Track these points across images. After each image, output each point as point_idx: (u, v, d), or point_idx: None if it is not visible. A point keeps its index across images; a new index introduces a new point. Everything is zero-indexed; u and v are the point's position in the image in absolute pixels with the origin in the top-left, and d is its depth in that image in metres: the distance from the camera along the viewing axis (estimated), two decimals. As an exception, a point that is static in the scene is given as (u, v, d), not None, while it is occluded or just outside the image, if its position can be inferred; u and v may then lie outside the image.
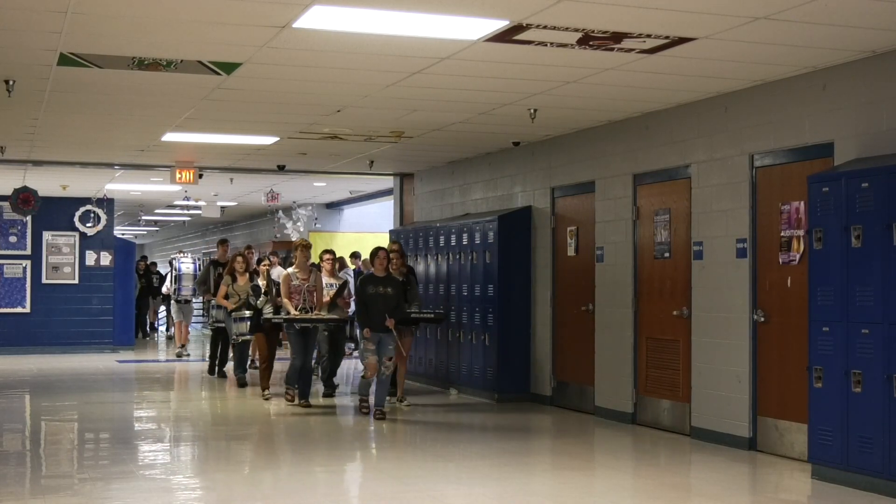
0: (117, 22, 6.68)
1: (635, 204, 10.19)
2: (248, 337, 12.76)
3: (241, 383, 13.30)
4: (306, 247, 11.44)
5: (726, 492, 7.21)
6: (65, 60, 7.72)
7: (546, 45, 7.14)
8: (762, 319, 8.47)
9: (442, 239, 13.16)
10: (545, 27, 6.65)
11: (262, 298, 12.28)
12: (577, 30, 6.73)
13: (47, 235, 19.16)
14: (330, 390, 12.35)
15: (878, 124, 7.34)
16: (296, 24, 6.62)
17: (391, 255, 10.96)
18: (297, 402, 11.22)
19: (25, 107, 9.75)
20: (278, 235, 23.29)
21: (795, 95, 8.13)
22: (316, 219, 22.38)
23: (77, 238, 19.34)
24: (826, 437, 7.16)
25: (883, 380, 6.74)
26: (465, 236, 12.56)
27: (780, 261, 8.28)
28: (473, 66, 7.92)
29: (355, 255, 17.32)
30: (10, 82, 8.46)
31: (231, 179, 16.59)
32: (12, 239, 18.95)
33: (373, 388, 10.45)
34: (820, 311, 7.25)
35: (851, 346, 6.97)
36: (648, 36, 6.89)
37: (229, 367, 14.31)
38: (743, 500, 7.12)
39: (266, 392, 11.97)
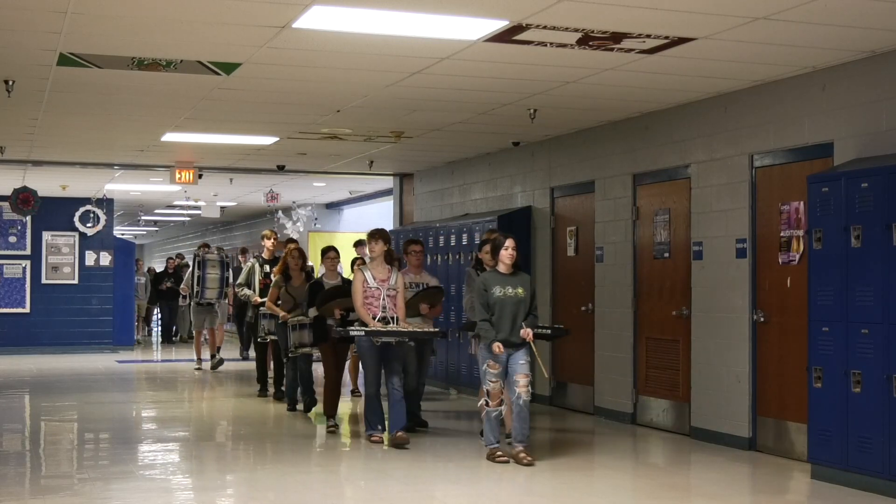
0: (117, 22, 6.68)
1: (635, 204, 10.19)
2: (310, 349, 10.47)
3: (292, 407, 10.99)
4: (383, 237, 8.96)
5: (726, 492, 7.21)
6: (64, 60, 7.72)
7: (546, 45, 7.14)
8: (762, 319, 8.47)
9: (442, 239, 13.16)
10: (545, 27, 6.65)
11: (310, 309, 9.80)
12: (576, 30, 6.73)
13: (47, 235, 19.16)
14: (415, 423, 9.57)
15: (878, 124, 7.34)
16: (296, 24, 6.62)
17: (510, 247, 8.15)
18: (387, 440, 8.80)
19: (25, 107, 9.75)
20: (278, 236, 23.28)
21: (795, 95, 8.13)
22: (316, 219, 22.38)
23: (77, 238, 19.34)
24: (826, 437, 7.16)
25: (882, 380, 6.74)
26: (464, 236, 12.56)
27: (780, 261, 8.29)
28: (473, 66, 7.92)
29: (360, 243, 16.43)
30: (10, 82, 8.46)
31: (231, 179, 16.59)
32: (12, 239, 18.96)
33: (487, 425, 8.08)
34: (820, 311, 7.25)
35: (851, 346, 6.97)
36: (648, 36, 6.89)
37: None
38: (743, 500, 7.12)
39: (331, 421, 9.61)
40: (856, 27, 6.67)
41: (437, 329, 9.33)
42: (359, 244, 14.86)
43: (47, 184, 17.00)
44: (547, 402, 11.44)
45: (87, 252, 19.39)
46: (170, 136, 11.79)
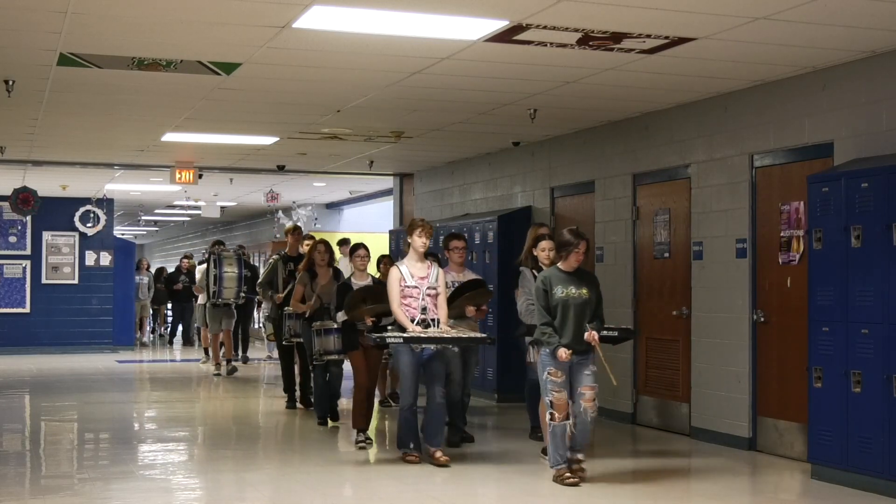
0: (117, 22, 6.68)
1: (635, 204, 10.19)
2: (337, 356, 9.45)
3: (319, 417, 9.95)
4: (423, 228, 7.96)
5: (726, 492, 7.21)
6: (65, 60, 7.72)
7: (546, 46, 7.14)
8: (762, 319, 8.47)
9: (442, 239, 13.15)
10: (545, 27, 6.65)
11: (339, 313, 8.73)
12: (576, 30, 6.73)
13: (47, 235, 19.16)
14: (460, 437, 8.80)
15: (878, 124, 7.34)
16: (296, 24, 6.62)
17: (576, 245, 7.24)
18: (426, 458, 7.89)
19: (25, 107, 9.75)
20: (278, 235, 23.28)
21: (795, 95, 8.13)
22: (316, 219, 22.38)
23: (77, 238, 19.34)
24: (826, 437, 7.16)
25: (882, 380, 6.74)
26: (465, 236, 12.54)
27: (780, 261, 8.29)
28: (473, 66, 7.92)
29: (344, 242, 14.88)
30: (10, 82, 8.46)
31: (231, 179, 16.59)
32: (12, 239, 18.96)
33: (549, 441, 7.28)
34: (820, 311, 7.25)
35: (851, 346, 6.97)
36: (648, 36, 6.89)
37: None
38: (743, 500, 7.12)
39: (361, 436, 8.63)
40: (856, 27, 6.67)
41: (485, 335, 8.28)
42: (342, 243, 14.54)
43: (47, 184, 17.00)
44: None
45: (87, 252, 19.39)
46: (170, 136, 11.79)
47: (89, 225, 19.43)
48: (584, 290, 7.17)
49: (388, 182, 17.03)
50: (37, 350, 18.62)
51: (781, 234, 8.28)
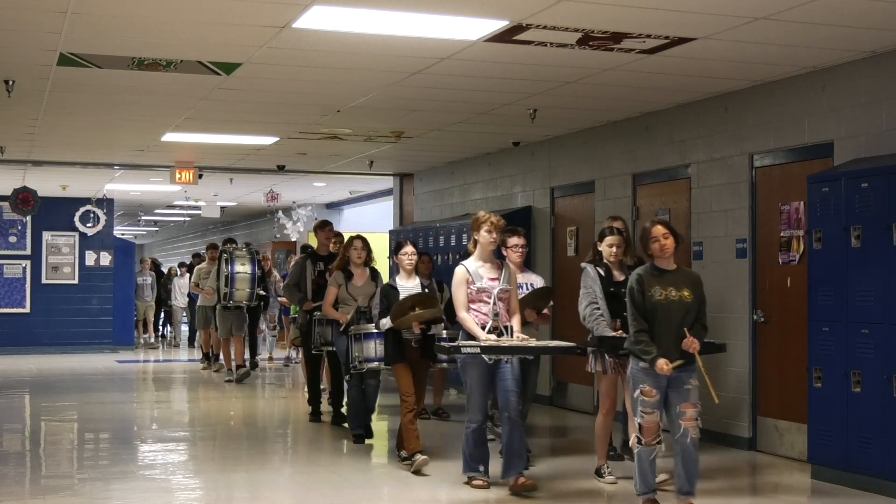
0: (117, 22, 6.68)
1: (635, 204, 10.19)
2: (378, 365, 8.26)
3: (359, 437, 8.90)
4: (492, 223, 6.95)
5: (726, 492, 7.20)
6: (65, 60, 7.72)
7: (546, 46, 7.14)
8: (762, 319, 8.47)
9: (442, 239, 13.15)
10: (545, 27, 6.65)
11: (383, 320, 7.73)
12: (576, 30, 6.73)
13: (47, 236, 19.17)
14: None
15: (878, 124, 7.34)
16: (296, 24, 6.62)
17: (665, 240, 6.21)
18: (506, 483, 6.90)
19: (25, 107, 9.75)
20: (278, 235, 23.29)
21: (795, 95, 8.13)
22: (316, 219, 22.36)
23: (77, 238, 19.35)
24: (826, 438, 7.16)
25: (883, 380, 6.74)
26: (464, 236, 12.54)
27: (780, 261, 8.28)
28: (473, 66, 7.92)
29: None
30: (10, 82, 8.47)
31: (231, 179, 16.60)
32: (12, 239, 18.97)
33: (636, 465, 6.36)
34: (820, 311, 7.25)
35: (851, 346, 6.97)
36: (648, 36, 6.89)
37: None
38: (743, 500, 7.11)
39: (418, 458, 7.54)
40: (856, 27, 6.67)
41: (572, 343, 7.38)
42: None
43: (47, 184, 17.01)
44: (547, 402, 11.42)
45: (87, 252, 19.40)
46: (170, 136, 11.79)
47: (89, 225, 19.43)
48: (686, 292, 6.12)
49: (388, 182, 17.03)
50: (37, 350, 18.63)
51: (781, 234, 8.28)
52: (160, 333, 23.07)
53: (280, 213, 22.49)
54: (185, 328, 21.85)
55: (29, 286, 19.05)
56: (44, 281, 19.11)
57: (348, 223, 22.58)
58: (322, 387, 10.62)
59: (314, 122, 10.81)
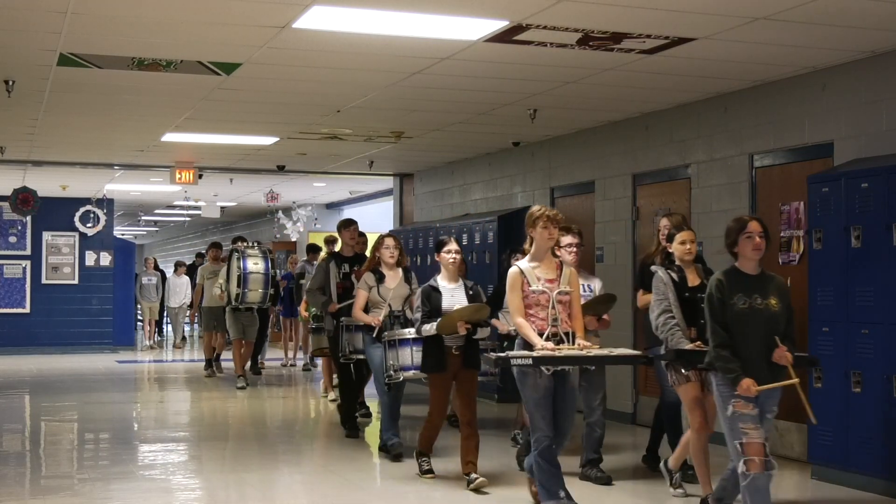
0: (117, 22, 6.69)
1: (635, 204, 10.19)
2: (415, 374, 7.60)
3: (395, 453, 8.11)
4: (549, 218, 6.23)
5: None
6: (65, 61, 7.72)
7: (546, 46, 7.14)
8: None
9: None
10: (545, 27, 6.65)
11: (426, 325, 7.13)
12: (576, 30, 6.73)
13: (47, 236, 19.17)
14: (602, 477, 7.25)
15: (878, 124, 7.34)
16: (296, 24, 6.62)
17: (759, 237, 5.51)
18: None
19: (25, 107, 9.75)
20: (278, 236, 23.30)
21: (795, 95, 8.13)
22: (316, 219, 22.38)
23: (77, 238, 19.35)
24: (826, 438, 7.16)
25: (883, 380, 6.74)
26: (464, 236, 12.56)
27: (780, 261, 8.28)
28: (473, 66, 7.92)
29: (332, 241, 14.03)
30: (10, 82, 8.47)
31: (231, 180, 16.60)
32: (12, 239, 18.97)
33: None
34: (820, 311, 7.25)
35: (851, 346, 6.97)
36: (648, 36, 6.89)
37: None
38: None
39: (423, 460, 7.38)
40: (856, 27, 6.67)
41: (639, 352, 6.88)
42: (330, 242, 14.15)
43: (47, 184, 17.01)
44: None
45: (87, 252, 19.39)
46: (170, 137, 11.79)
47: (89, 225, 19.43)
48: (773, 300, 5.39)
49: (388, 182, 17.03)
50: (37, 350, 18.62)
51: (781, 235, 8.28)
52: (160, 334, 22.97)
53: (280, 213, 22.49)
54: (185, 328, 21.83)
55: (29, 286, 19.05)
56: (44, 281, 19.11)
57: (348, 223, 22.61)
58: (332, 397, 10.48)
59: (314, 123, 10.81)
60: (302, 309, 11.87)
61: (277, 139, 12.04)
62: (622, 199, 10.35)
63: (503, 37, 6.92)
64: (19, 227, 18.99)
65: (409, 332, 7.53)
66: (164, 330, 23.21)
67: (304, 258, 15.49)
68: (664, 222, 7.11)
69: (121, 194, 19.62)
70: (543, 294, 6.15)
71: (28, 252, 19.06)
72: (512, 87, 8.75)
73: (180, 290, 20.52)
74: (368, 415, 9.80)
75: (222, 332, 14.18)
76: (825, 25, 6.61)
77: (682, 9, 6.27)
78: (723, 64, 7.77)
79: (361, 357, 8.74)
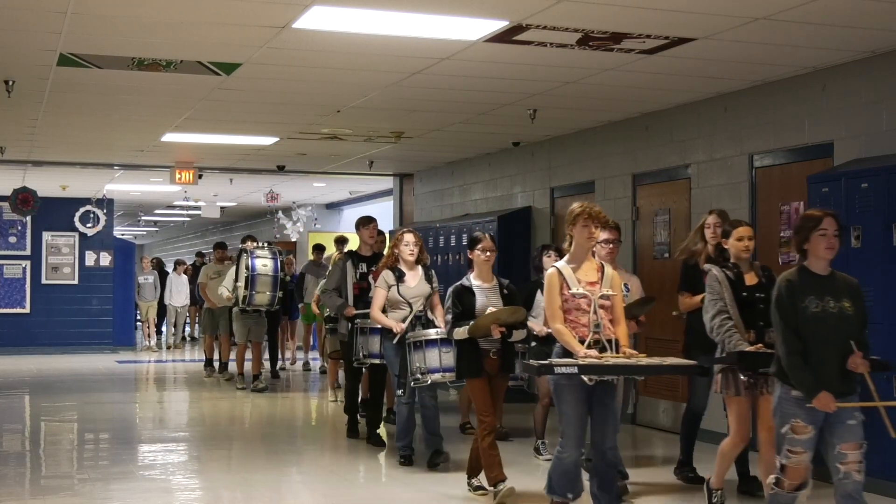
0: (117, 22, 6.68)
1: (635, 204, 10.19)
2: (443, 377, 7.31)
3: (406, 459, 7.88)
4: (591, 216, 5.75)
5: (726, 492, 7.19)
6: (65, 61, 7.72)
7: (546, 46, 7.14)
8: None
9: (442, 239, 13.16)
10: (545, 27, 6.65)
11: (459, 328, 6.61)
12: (576, 30, 6.73)
13: (47, 236, 19.17)
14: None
15: (878, 124, 7.34)
16: (296, 25, 6.62)
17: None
18: None
19: (25, 107, 9.75)
20: (278, 236, 23.29)
21: (795, 95, 8.13)
22: (316, 219, 22.39)
23: (77, 238, 19.34)
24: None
25: (883, 380, 6.73)
26: (464, 237, 12.55)
27: (780, 261, 8.28)
28: (473, 67, 7.92)
29: (341, 241, 14.09)
30: (10, 82, 8.47)
31: (231, 180, 16.60)
32: (12, 239, 18.97)
33: None
34: (820, 311, 7.23)
35: (851, 346, 6.95)
36: (648, 36, 6.89)
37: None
38: (744, 500, 7.10)
39: (502, 487, 6.57)
40: (856, 27, 6.67)
41: (693, 361, 6.18)
42: (340, 241, 14.15)
43: (47, 184, 17.01)
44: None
45: (87, 252, 19.39)
46: (170, 137, 11.79)
47: (89, 225, 19.43)
48: (846, 303, 4.92)
49: (388, 182, 17.03)
50: (37, 350, 18.62)
51: (781, 235, 8.28)
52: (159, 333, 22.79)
53: (280, 213, 22.51)
54: (186, 328, 21.80)
55: (29, 286, 19.05)
56: (44, 281, 19.11)
57: (348, 223, 22.58)
58: (333, 398, 10.38)
59: (314, 123, 10.81)
60: (314, 305, 11.50)
61: (277, 139, 12.04)
62: (622, 199, 10.35)
63: (503, 37, 6.92)
64: (19, 227, 18.99)
65: (436, 333, 7.28)
66: (163, 330, 22.99)
67: (311, 258, 15.37)
68: (712, 219, 6.95)
69: (121, 194, 19.62)
70: (584, 298, 5.67)
71: (28, 252, 19.06)
72: (512, 87, 8.75)
73: (182, 290, 20.33)
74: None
75: (225, 334, 13.88)
76: (825, 25, 6.61)
77: (682, 9, 6.27)
78: (723, 64, 7.77)
79: (376, 362, 8.36)
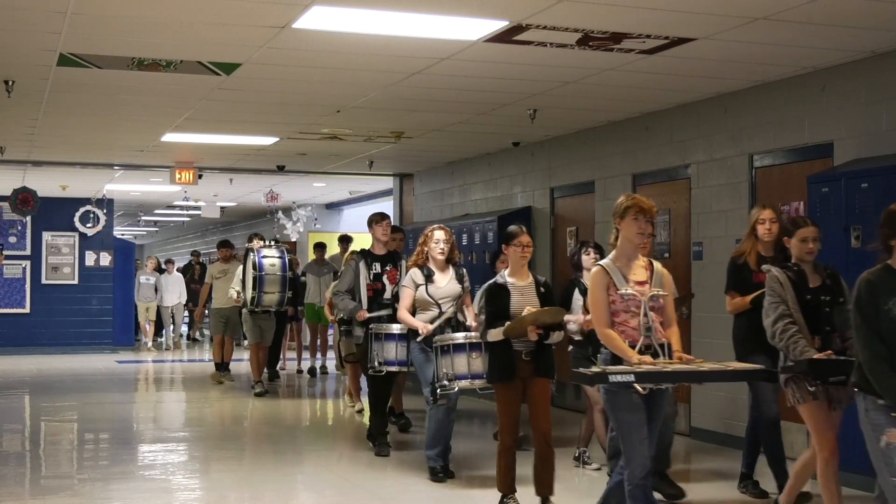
0: (117, 22, 6.68)
1: (635, 204, 10.18)
2: (471, 384, 6.88)
3: (441, 470, 7.38)
4: (641, 209, 5.29)
5: (726, 492, 7.20)
6: (64, 61, 7.72)
7: (546, 46, 7.14)
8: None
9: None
10: (545, 27, 6.65)
11: (493, 329, 6.16)
12: (576, 30, 6.73)
13: (47, 236, 19.18)
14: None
15: (878, 124, 7.34)
16: (296, 25, 6.62)
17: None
18: None
19: (25, 107, 9.75)
20: (278, 236, 23.29)
21: (795, 95, 8.13)
22: (315, 219, 22.39)
23: (77, 238, 19.35)
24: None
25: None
26: (464, 237, 12.56)
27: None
28: (473, 67, 7.92)
29: (345, 240, 14.40)
30: (10, 82, 8.46)
31: (231, 180, 16.60)
32: (12, 239, 18.97)
33: None
34: (820, 311, 7.22)
35: (851, 346, 6.94)
36: (648, 36, 6.89)
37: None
38: (744, 500, 7.11)
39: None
40: (856, 27, 6.67)
41: (762, 366, 5.73)
42: (343, 240, 14.13)
43: (47, 184, 17.01)
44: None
45: (87, 252, 19.40)
46: (170, 137, 11.79)
47: (89, 225, 19.43)
48: None
49: (388, 182, 17.03)
50: (37, 350, 18.62)
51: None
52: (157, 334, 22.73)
53: (280, 213, 22.51)
54: (184, 328, 21.79)
55: (29, 286, 19.05)
56: (44, 281, 19.12)
57: (348, 223, 22.62)
58: (357, 407, 10.30)
59: (314, 123, 10.81)
60: (326, 308, 11.22)
61: (277, 139, 12.04)
62: (622, 200, 10.34)
63: (503, 37, 6.92)
64: (19, 228, 19.00)
65: (466, 336, 6.88)
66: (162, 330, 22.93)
67: (313, 257, 15.04)
68: (768, 214, 6.60)
69: (121, 194, 19.62)
70: (634, 299, 5.19)
71: (28, 252, 19.06)
72: (512, 87, 8.75)
73: (174, 288, 20.26)
74: (408, 424, 9.38)
75: (231, 335, 13.70)
76: (825, 25, 6.61)
77: (682, 9, 6.27)
78: (723, 64, 7.76)
79: (393, 369, 7.95)
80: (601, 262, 5.37)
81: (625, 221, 5.28)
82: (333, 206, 22.66)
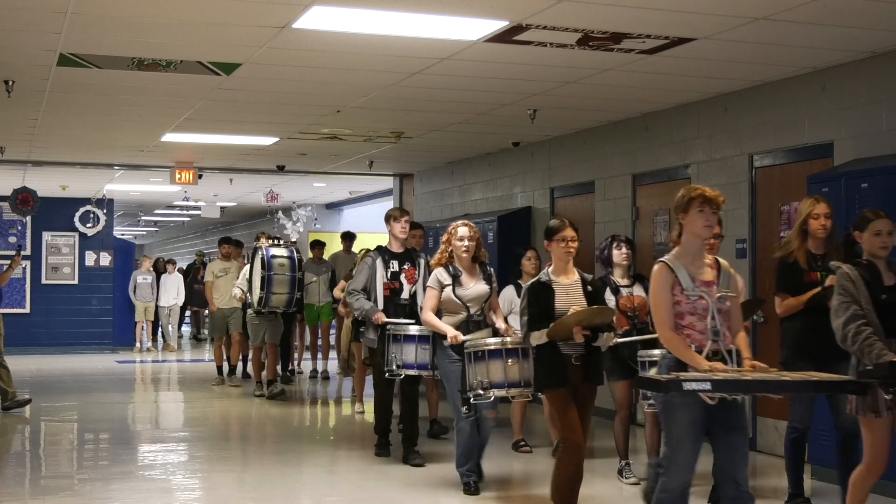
0: (117, 22, 6.69)
1: (635, 204, 10.19)
2: (509, 392, 6.42)
3: (473, 484, 6.90)
4: (707, 200, 4.79)
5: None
6: (65, 61, 7.72)
7: (546, 46, 7.14)
8: (762, 320, 8.45)
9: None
10: (545, 27, 6.65)
11: (536, 331, 5.69)
12: (576, 30, 6.73)
13: (47, 236, 19.18)
14: None
15: (878, 124, 7.34)
16: (296, 25, 6.62)
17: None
18: None
19: (25, 107, 9.75)
20: (278, 236, 23.32)
21: (795, 95, 8.13)
22: (316, 219, 22.40)
23: (77, 238, 19.36)
24: (825, 438, 7.15)
25: (883, 380, 6.70)
26: (464, 236, 12.53)
27: (780, 261, 8.27)
28: (473, 67, 7.92)
29: (348, 236, 14.27)
30: (10, 82, 8.47)
31: (231, 180, 16.60)
32: (12, 239, 18.96)
33: None
34: (820, 311, 7.21)
35: (851, 346, 6.93)
36: (648, 36, 6.90)
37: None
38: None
39: None
40: (856, 27, 6.67)
41: (847, 376, 5.20)
42: (346, 237, 14.01)
43: (47, 184, 17.02)
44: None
45: (87, 252, 19.41)
46: (170, 137, 11.79)
47: (89, 225, 19.44)
48: None
49: (388, 182, 17.04)
50: (37, 350, 18.61)
51: (781, 235, 8.27)
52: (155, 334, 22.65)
53: (280, 213, 22.51)
54: (184, 328, 21.79)
55: (29, 286, 19.06)
56: (44, 281, 19.12)
57: (348, 223, 22.62)
58: (360, 409, 10.25)
59: (314, 123, 10.81)
60: (341, 307, 10.82)
61: (277, 139, 12.04)
62: (622, 200, 10.35)
63: (503, 37, 6.92)
64: (19, 227, 19.00)
65: (501, 342, 6.40)
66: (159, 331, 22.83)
67: (310, 256, 14.72)
68: (822, 207, 6.18)
69: (121, 194, 19.62)
70: (701, 300, 4.75)
71: (28, 252, 19.05)
72: (512, 87, 8.76)
73: (171, 289, 20.07)
74: (445, 430, 8.93)
75: (236, 332, 13.14)
76: (825, 25, 6.61)
77: (682, 9, 6.27)
78: (723, 64, 7.77)
79: (412, 373, 7.53)
80: (664, 259, 4.88)
81: (689, 215, 4.81)
82: (333, 206, 22.66)
